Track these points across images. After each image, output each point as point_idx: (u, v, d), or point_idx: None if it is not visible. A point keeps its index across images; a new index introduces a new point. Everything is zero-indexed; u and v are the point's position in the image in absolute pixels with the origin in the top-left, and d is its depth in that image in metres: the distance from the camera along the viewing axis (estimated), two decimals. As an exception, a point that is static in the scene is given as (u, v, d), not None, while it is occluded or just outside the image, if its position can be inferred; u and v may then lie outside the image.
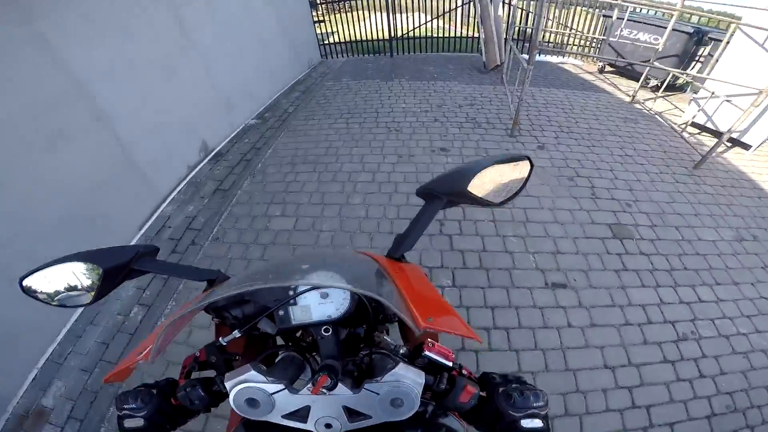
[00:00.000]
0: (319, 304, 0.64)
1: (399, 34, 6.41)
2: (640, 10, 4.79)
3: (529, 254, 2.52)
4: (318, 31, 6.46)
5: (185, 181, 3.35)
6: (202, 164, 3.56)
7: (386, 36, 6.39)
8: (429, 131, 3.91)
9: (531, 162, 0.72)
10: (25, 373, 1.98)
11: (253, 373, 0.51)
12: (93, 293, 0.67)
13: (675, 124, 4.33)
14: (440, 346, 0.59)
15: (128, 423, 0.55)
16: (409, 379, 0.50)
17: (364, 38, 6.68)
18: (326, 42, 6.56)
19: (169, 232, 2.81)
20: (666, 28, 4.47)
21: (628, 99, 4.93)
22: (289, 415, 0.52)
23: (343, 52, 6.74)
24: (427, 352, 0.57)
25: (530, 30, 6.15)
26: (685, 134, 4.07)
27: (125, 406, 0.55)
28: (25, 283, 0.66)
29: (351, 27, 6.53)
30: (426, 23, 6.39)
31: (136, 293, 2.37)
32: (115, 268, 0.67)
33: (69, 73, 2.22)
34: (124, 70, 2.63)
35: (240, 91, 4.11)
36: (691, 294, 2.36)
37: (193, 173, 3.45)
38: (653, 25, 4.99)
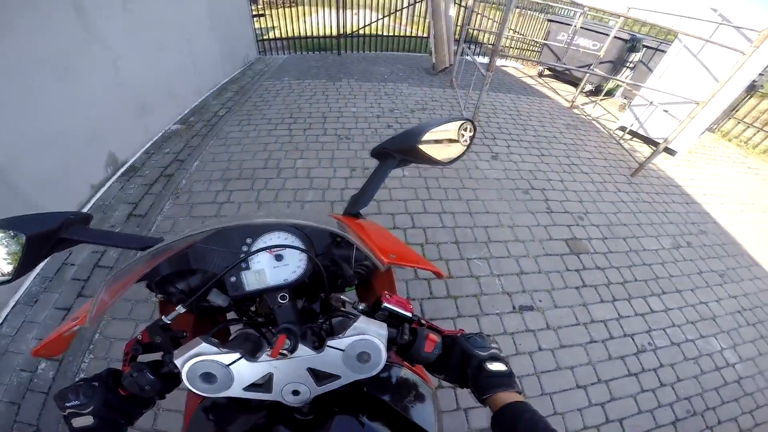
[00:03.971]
0: (274, 267, 0.62)
1: (348, 31, 6.03)
2: (586, 16, 4.95)
3: (494, 277, 2.42)
4: (257, 25, 5.85)
5: (89, 206, 2.72)
6: (110, 182, 2.92)
7: (334, 33, 5.97)
8: (382, 139, 3.59)
9: (473, 124, 0.76)
10: None
11: (204, 346, 0.47)
12: (13, 267, 0.56)
13: (611, 130, 4.56)
14: (398, 297, 0.59)
15: (77, 422, 0.50)
16: (371, 331, 0.49)
17: (309, 35, 6.18)
18: (266, 38, 5.96)
19: (72, 271, 2.24)
20: (606, 34, 4.67)
21: (567, 104, 5.12)
22: (252, 387, 0.49)
23: (285, 48, 6.18)
24: (385, 304, 0.57)
25: (475, 31, 6.17)
26: (621, 141, 4.30)
27: (67, 404, 0.50)
28: None
29: (295, 23, 5.99)
30: (377, 21, 6.11)
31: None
32: (41, 235, 0.58)
33: None
34: (1, 69, 2.03)
35: (158, 92, 3.47)
36: (644, 305, 2.45)
37: (99, 194, 2.81)
38: (594, 31, 5.21)
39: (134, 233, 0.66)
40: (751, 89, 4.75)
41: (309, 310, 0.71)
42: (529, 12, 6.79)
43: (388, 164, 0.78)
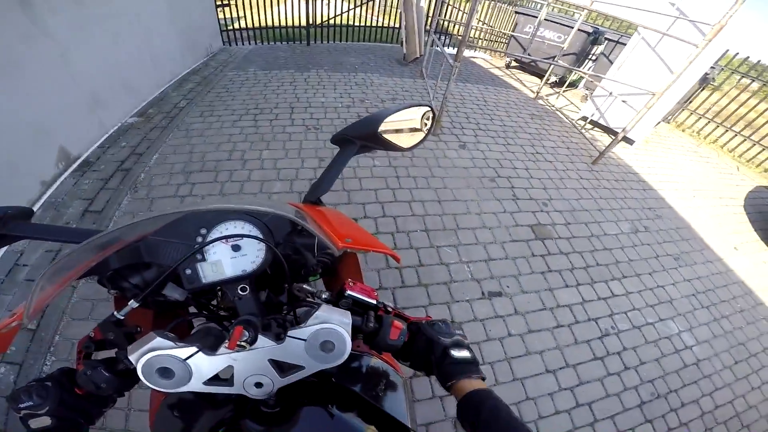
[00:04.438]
0: (232, 258, 0.60)
1: (318, 21, 5.90)
2: (552, 9, 5.07)
3: (463, 264, 2.47)
4: (221, 15, 5.61)
5: (40, 203, 2.55)
6: (62, 178, 2.75)
7: (303, 23, 5.82)
8: (349, 130, 3.61)
9: (433, 110, 0.77)
10: None
11: (158, 340, 0.46)
12: None
13: (574, 120, 4.72)
14: (362, 284, 0.59)
15: (34, 423, 0.48)
16: (334, 319, 0.48)
17: (276, 24, 6.00)
18: (231, 28, 5.73)
19: (25, 272, 2.10)
20: (571, 27, 4.80)
21: (532, 95, 5.26)
22: (212, 381, 0.48)
23: (252, 39, 5.97)
24: (349, 291, 0.57)
25: (445, 22, 6.20)
26: (583, 131, 4.46)
27: (21, 405, 0.48)
28: None
29: (262, 12, 5.78)
30: (348, 11, 6.01)
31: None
32: None
33: None
34: None
35: (112, 85, 3.28)
36: (606, 289, 2.55)
37: (51, 191, 2.64)
38: (559, 23, 5.34)
39: (81, 227, 0.62)
40: (704, 81, 5.04)
41: (275, 301, 0.69)
42: (498, 4, 6.87)
43: (348, 151, 0.78)
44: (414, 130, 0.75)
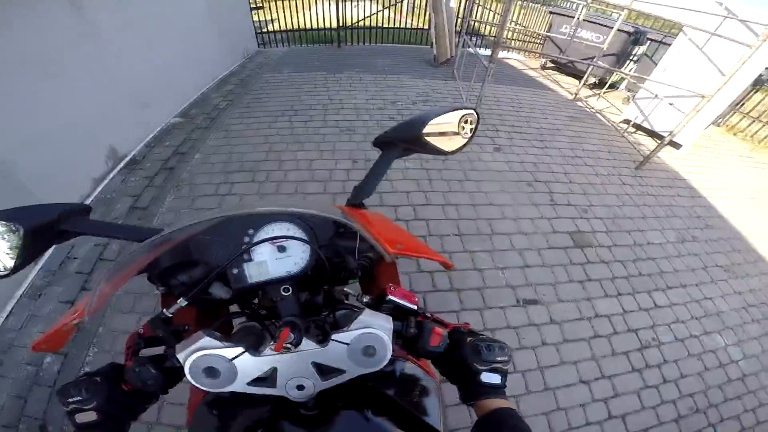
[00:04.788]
0: (277, 259, 0.61)
1: (348, 23, 5.96)
2: (589, 9, 4.89)
3: (498, 270, 2.40)
4: (255, 18, 5.77)
5: (91, 199, 2.71)
6: (111, 176, 2.90)
7: (334, 25, 5.90)
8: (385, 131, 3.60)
9: (477, 113, 0.75)
10: None
11: (206, 339, 0.46)
12: (12, 261, 0.55)
13: (615, 123, 4.52)
14: (403, 289, 0.58)
15: (80, 418, 0.49)
16: (377, 324, 0.48)
17: (308, 27, 6.11)
18: (265, 30, 5.89)
19: (75, 264, 2.23)
20: (610, 27, 4.61)
21: (570, 97, 5.07)
22: (256, 382, 0.48)
23: (285, 41, 6.11)
24: (390, 296, 0.57)
25: (476, 23, 6.10)
26: (626, 134, 4.26)
27: (70, 400, 0.49)
28: None
29: (294, 15, 5.91)
30: (377, 12, 6.04)
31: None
32: (40, 227, 0.56)
33: None
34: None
35: (158, 86, 3.44)
36: (648, 300, 2.42)
37: (101, 188, 2.80)
38: (598, 23, 5.14)
39: (135, 224, 0.64)
40: (758, 83, 4.69)
41: (312, 303, 0.69)
42: (531, 4, 6.70)
43: (390, 154, 0.77)
44: (457, 133, 0.74)
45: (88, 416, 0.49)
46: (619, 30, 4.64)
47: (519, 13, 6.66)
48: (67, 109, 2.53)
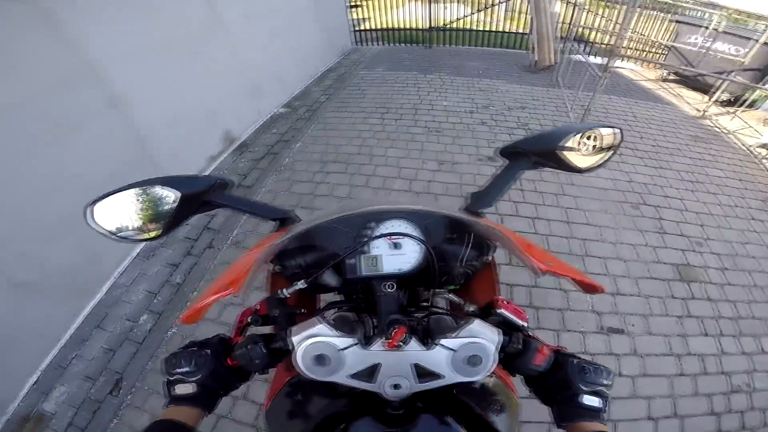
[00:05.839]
0: (390, 255, 0.61)
1: (439, 24, 5.95)
2: (727, 20, 4.24)
3: (585, 294, 2.19)
4: (352, 16, 6.06)
5: (206, 173, 3.09)
6: (224, 155, 3.29)
7: (424, 26, 5.94)
8: (475, 135, 3.52)
9: (622, 132, 0.71)
10: (25, 376, 1.84)
11: (322, 327, 0.47)
12: (162, 225, 0.59)
13: (751, 147, 3.81)
14: (514, 304, 0.57)
15: (179, 389, 0.49)
16: (486, 335, 0.47)
17: (399, 26, 6.23)
18: (359, 28, 6.15)
19: (186, 230, 2.57)
20: (752, 39, 3.94)
21: (695, 113, 4.40)
22: (356, 375, 0.48)
23: (377, 39, 6.32)
24: (501, 310, 0.56)
25: (583, 29, 5.64)
26: (764, 161, 3.57)
27: (177, 370, 0.49)
28: (93, 210, 0.55)
29: (386, 14, 6.09)
30: (469, 15, 5.94)
31: (146, 298, 2.17)
32: (192, 196, 0.61)
33: (80, 54, 1.95)
34: (144, 51, 2.36)
35: (269, 77, 3.80)
36: (754, 345, 2.10)
37: (215, 165, 3.19)
38: (736, 35, 4.42)
39: (268, 203, 0.70)
40: None
41: (406, 302, 0.69)
42: (649, 11, 5.99)
43: (519, 165, 0.74)
44: (595, 151, 0.70)
45: (187, 388, 0.49)
46: (765, 43, 3.93)
47: (636, 21, 5.98)
48: (198, 93, 2.90)
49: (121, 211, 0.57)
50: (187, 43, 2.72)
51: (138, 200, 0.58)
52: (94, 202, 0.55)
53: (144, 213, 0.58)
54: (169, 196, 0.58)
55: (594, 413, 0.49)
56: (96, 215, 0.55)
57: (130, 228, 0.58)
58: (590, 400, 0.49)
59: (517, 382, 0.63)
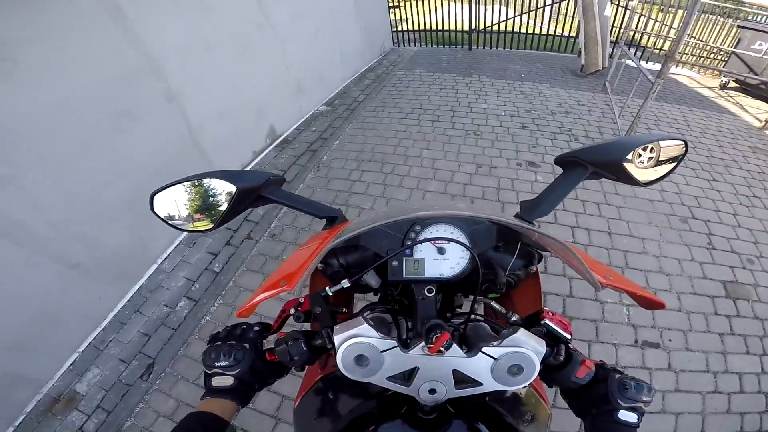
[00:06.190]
0: (434, 260, 0.61)
1: (481, 26, 5.87)
2: None
3: (622, 306, 2.13)
4: (391, 16, 6.12)
5: (249, 167, 3.25)
6: (267, 150, 3.44)
7: (465, 27, 5.88)
8: (515, 140, 3.46)
9: (686, 145, 0.68)
10: (65, 357, 1.94)
11: (365, 327, 0.46)
12: (217, 217, 0.61)
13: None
14: (560, 316, 0.56)
15: (217, 381, 0.51)
16: (530, 346, 0.46)
17: (439, 28, 6.21)
18: (398, 29, 6.19)
19: (249, 228, 2.67)
20: None
21: (758, 124, 4.08)
22: (393, 378, 0.47)
23: (416, 40, 6.34)
24: (547, 321, 0.55)
25: (636, 33, 5.37)
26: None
27: (217, 364, 0.50)
28: (156, 198, 0.59)
29: (426, 15, 6.08)
30: (512, 18, 5.81)
31: (185, 285, 2.29)
32: (248, 190, 0.62)
33: (142, 49, 2.06)
34: (199, 47, 2.49)
35: (312, 75, 3.93)
36: None
37: (258, 159, 3.35)
38: None
39: (318, 201, 0.73)
40: None
41: (444, 308, 0.69)
42: (708, 16, 5.59)
43: (576, 174, 0.70)
44: (660, 163, 0.68)
45: (225, 381, 0.50)
46: None
47: (694, 26, 5.61)
48: (246, 89, 3.04)
49: (181, 201, 0.61)
50: (237, 41, 2.84)
51: (197, 192, 0.61)
52: (159, 190, 0.59)
53: (201, 204, 0.61)
54: (226, 190, 0.60)
55: (629, 428, 0.49)
56: (157, 203, 0.59)
57: (187, 217, 0.62)
58: (627, 416, 0.49)
59: (548, 392, 0.65)
